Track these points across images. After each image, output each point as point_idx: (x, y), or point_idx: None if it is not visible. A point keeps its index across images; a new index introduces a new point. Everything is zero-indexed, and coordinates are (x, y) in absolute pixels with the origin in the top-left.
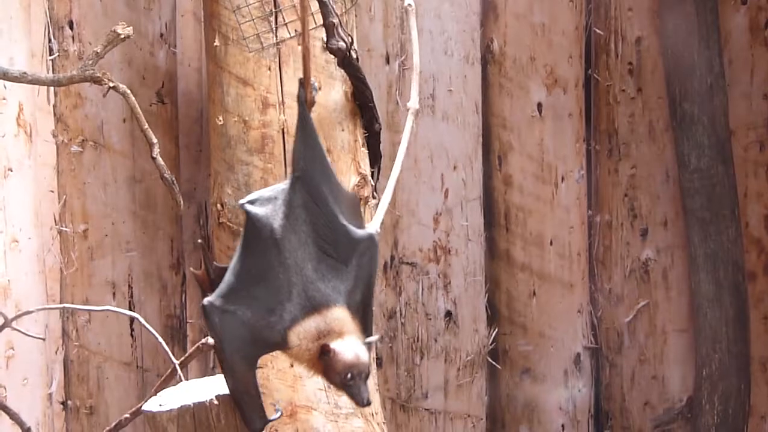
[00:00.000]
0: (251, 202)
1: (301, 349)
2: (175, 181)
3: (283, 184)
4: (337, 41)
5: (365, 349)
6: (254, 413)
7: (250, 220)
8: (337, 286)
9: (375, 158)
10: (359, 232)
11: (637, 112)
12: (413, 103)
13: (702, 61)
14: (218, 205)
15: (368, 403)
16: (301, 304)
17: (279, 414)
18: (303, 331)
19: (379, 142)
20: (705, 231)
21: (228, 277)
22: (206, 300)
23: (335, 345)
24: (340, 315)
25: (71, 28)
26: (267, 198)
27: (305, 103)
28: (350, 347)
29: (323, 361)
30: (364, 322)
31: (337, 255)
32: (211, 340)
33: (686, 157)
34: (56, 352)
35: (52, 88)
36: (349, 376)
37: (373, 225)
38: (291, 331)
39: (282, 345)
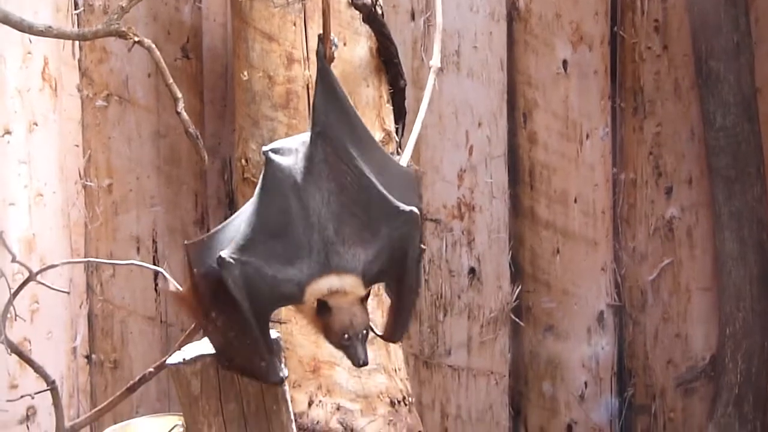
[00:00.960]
0: (275, 151)
1: (307, 306)
2: (199, 136)
3: (305, 136)
4: None
5: (365, 311)
6: (270, 367)
7: (272, 169)
8: (357, 253)
9: (400, 114)
10: (399, 205)
11: (662, 70)
12: (435, 61)
13: (728, 18)
14: (243, 161)
15: (363, 364)
16: (319, 263)
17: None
18: (316, 288)
19: (404, 99)
20: (730, 189)
21: (244, 230)
22: (224, 252)
23: (334, 304)
24: (353, 282)
25: None
26: (289, 149)
27: (324, 57)
28: (348, 309)
29: (322, 320)
30: (399, 305)
31: (365, 218)
32: None
33: (712, 115)
34: (80, 306)
35: (77, 43)
36: (345, 336)
37: None
38: (308, 286)
39: (299, 298)
